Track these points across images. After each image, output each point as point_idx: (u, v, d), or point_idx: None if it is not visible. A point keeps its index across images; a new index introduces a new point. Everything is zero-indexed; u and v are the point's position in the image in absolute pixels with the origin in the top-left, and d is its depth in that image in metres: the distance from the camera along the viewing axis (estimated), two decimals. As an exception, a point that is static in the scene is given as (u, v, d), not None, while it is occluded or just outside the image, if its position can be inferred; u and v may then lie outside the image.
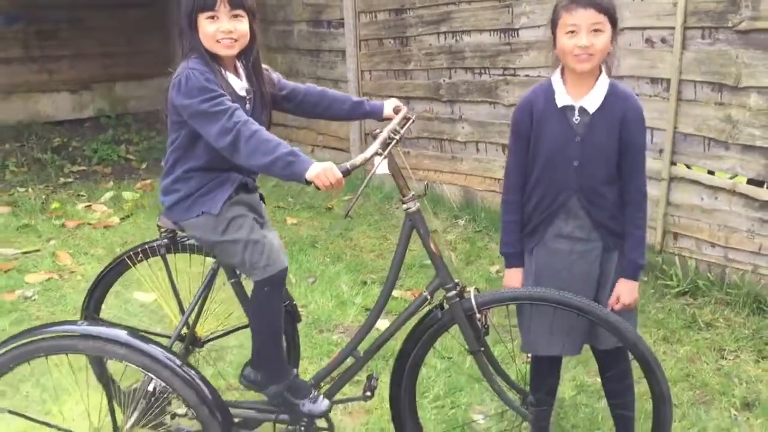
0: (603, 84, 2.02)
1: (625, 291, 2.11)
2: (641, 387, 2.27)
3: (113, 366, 2.40)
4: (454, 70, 5.01)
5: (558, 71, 2.08)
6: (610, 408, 2.34)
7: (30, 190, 5.82)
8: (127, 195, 5.65)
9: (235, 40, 1.93)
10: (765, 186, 3.39)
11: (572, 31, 1.94)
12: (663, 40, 3.67)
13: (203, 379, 1.94)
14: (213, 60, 1.93)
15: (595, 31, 1.93)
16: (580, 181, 2.06)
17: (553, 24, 2.00)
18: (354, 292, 3.78)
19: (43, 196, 5.63)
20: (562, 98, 2.04)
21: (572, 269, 2.11)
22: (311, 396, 2.15)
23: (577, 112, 2.04)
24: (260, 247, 2.00)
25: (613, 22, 1.96)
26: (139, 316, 3.38)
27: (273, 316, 2.10)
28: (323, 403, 2.15)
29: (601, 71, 2.03)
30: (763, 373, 2.92)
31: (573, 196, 2.08)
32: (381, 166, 1.93)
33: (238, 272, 2.15)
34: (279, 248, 2.06)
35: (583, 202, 2.07)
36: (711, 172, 3.65)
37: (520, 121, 2.12)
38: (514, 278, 2.22)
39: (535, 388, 2.28)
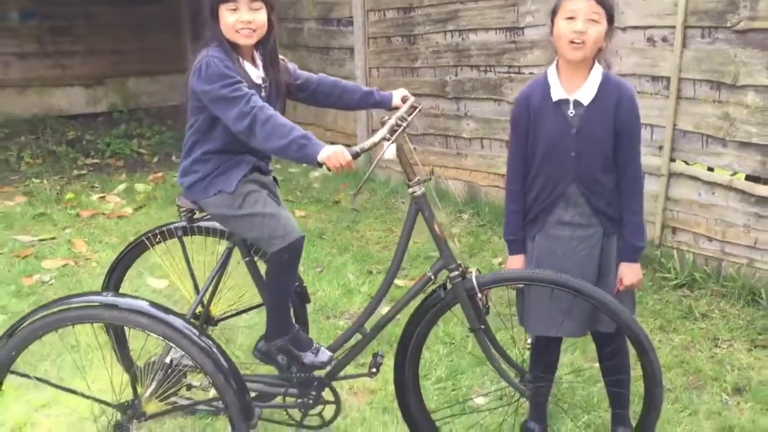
0: (596, 75, 2.11)
1: (628, 273, 2.20)
2: (636, 372, 2.36)
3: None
4: (460, 67, 5.11)
5: (554, 65, 2.16)
6: (606, 386, 2.43)
7: (45, 181, 5.94)
8: (139, 187, 5.77)
9: (254, 30, 2.03)
10: (761, 182, 3.49)
11: (571, 17, 2.03)
12: (664, 39, 3.75)
13: (219, 348, 2.04)
14: (232, 49, 2.04)
15: (592, 20, 2.02)
16: (578, 171, 2.14)
17: (554, 12, 2.09)
18: (360, 281, 3.89)
19: (58, 187, 5.75)
20: (557, 92, 2.13)
21: (573, 254, 2.18)
22: (313, 348, 2.26)
23: (571, 105, 2.12)
24: (276, 219, 2.10)
25: (610, 18, 2.05)
26: (152, 301, 3.49)
27: (288, 280, 2.22)
28: (325, 354, 2.25)
29: (594, 63, 2.11)
30: (755, 360, 3.00)
31: (572, 185, 2.16)
32: (388, 151, 2.03)
33: (252, 251, 2.26)
34: (294, 221, 2.16)
35: (582, 190, 2.15)
36: (711, 169, 3.74)
37: (518, 116, 2.21)
38: (516, 264, 2.30)
39: (535, 367, 2.38)
